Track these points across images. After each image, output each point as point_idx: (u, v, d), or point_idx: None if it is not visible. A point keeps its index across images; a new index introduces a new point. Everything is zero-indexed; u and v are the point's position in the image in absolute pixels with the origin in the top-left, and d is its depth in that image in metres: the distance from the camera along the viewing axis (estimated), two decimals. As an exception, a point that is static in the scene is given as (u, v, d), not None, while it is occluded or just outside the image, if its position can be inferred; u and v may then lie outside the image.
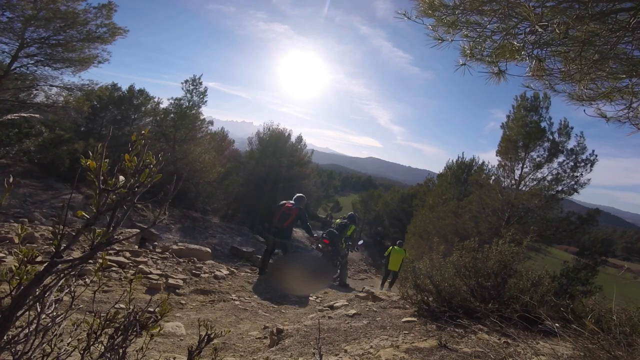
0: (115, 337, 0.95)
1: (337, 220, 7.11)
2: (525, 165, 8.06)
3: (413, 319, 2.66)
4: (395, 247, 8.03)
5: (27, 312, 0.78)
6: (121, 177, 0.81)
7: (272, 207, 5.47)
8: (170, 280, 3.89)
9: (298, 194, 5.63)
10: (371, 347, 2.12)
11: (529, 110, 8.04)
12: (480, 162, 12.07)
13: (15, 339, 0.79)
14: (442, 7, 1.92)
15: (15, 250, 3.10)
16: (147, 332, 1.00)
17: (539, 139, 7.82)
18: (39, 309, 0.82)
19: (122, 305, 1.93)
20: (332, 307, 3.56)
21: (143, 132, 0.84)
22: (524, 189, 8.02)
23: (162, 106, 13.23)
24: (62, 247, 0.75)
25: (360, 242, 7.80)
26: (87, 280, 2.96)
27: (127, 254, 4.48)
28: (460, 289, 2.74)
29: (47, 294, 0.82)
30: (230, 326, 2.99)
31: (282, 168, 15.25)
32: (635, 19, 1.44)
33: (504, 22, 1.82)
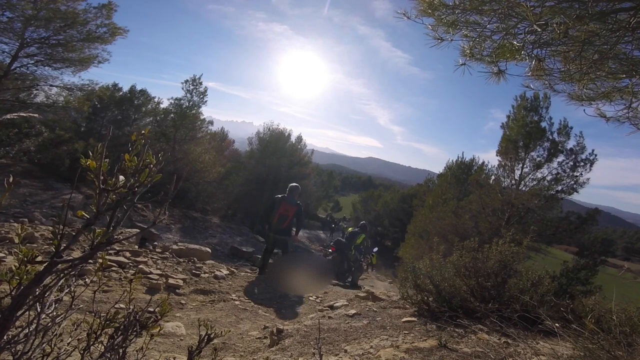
0: (115, 337, 0.95)
1: (349, 229, 7.56)
2: (525, 165, 8.07)
3: (413, 319, 2.66)
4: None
5: (27, 312, 0.78)
6: (121, 177, 0.81)
7: (269, 203, 5.30)
8: (170, 280, 3.89)
9: (292, 184, 5.34)
10: (371, 347, 2.12)
11: (529, 110, 8.04)
12: (480, 162, 12.08)
13: (15, 339, 0.79)
14: (441, 7, 1.92)
15: (15, 250, 3.10)
16: (147, 332, 1.00)
17: (539, 139, 7.82)
18: (39, 309, 0.82)
19: (122, 305, 1.93)
20: (332, 307, 3.56)
21: (143, 132, 0.84)
22: (524, 188, 8.02)
23: (162, 106, 13.26)
24: (62, 247, 0.75)
25: (375, 249, 8.07)
26: (87, 280, 2.96)
27: (127, 254, 4.48)
28: (460, 289, 2.74)
29: (47, 294, 0.82)
30: (230, 326, 2.99)
31: (282, 168, 15.27)
32: (635, 19, 1.44)
33: (503, 22, 1.82)
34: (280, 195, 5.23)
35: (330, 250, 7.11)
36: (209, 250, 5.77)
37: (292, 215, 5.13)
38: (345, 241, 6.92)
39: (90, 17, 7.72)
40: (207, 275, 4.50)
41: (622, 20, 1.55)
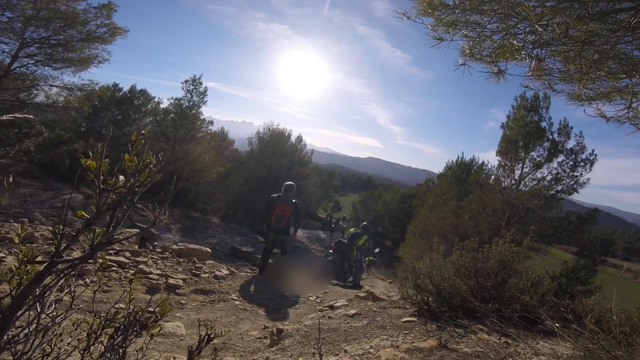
0: (115, 337, 0.95)
1: (351, 230, 7.67)
2: (525, 165, 8.06)
3: (413, 319, 2.66)
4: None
5: (27, 312, 0.78)
6: (121, 177, 0.81)
7: (266, 202, 5.26)
8: (170, 280, 3.88)
9: (287, 183, 5.26)
10: (371, 347, 2.12)
11: (529, 110, 8.04)
12: (480, 162, 12.09)
13: (15, 339, 0.79)
14: (441, 7, 1.91)
15: (15, 250, 3.10)
16: (147, 332, 1.00)
17: (539, 139, 7.82)
18: (39, 309, 0.82)
19: (122, 305, 1.93)
20: (332, 307, 3.56)
21: (143, 132, 0.84)
22: (524, 189, 8.02)
23: (162, 106, 13.25)
24: (62, 247, 0.75)
25: (377, 250, 8.13)
26: (87, 280, 2.96)
27: (127, 254, 4.48)
28: (460, 289, 2.74)
29: (47, 294, 0.82)
30: (230, 326, 2.99)
31: (282, 168, 15.27)
32: (635, 19, 1.44)
33: (503, 21, 1.82)
34: (276, 195, 5.20)
35: (331, 251, 7.17)
36: (209, 250, 5.77)
37: (289, 215, 5.12)
38: (347, 242, 6.96)
39: (90, 17, 7.73)
40: (207, 275, 4.50)
41: (622, 20, 1.55)
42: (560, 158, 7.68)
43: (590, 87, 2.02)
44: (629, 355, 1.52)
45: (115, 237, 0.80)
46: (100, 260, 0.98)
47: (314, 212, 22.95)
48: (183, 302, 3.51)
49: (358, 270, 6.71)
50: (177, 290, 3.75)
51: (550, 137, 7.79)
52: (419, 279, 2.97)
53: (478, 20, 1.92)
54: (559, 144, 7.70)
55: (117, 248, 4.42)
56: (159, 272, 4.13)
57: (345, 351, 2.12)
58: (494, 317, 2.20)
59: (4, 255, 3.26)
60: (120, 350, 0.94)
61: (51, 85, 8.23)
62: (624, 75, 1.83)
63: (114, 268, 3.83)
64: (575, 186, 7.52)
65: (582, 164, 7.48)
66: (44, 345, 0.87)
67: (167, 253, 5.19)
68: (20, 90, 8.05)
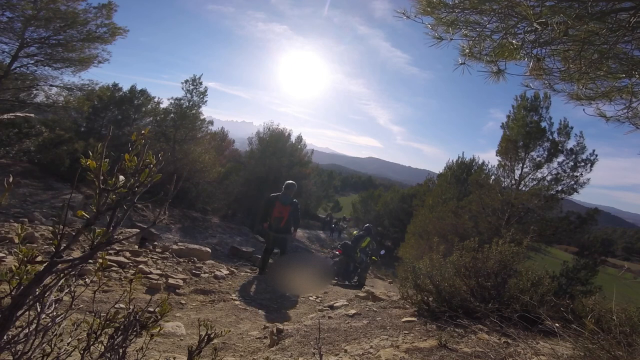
0: (115, 337, 0.95)
1: (354, 232, 7.80)
2: (525, 165, 8.07)
3: (413, 319, 2.66)
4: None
5: (27, 312, 0.78)
6: (121, 177, 0.81)
7: (266, 201, 5.24)
8: (170, 280, 3.88)
9: (287, 182, 5.20)
10: (371, 347, 2.12)
11: (529, 110, 8.04)
12: (480, 162, 12.10)
13: (15, 339, 0.79)
14: (441, 6, 1.92)
15: (15, 250, 3.10)
16: (147, 332, 1.00)
17: (539, 139, 7.82)
18: (39, 309, 0.82)
19: (122, 305, 1.93)
20: (332, 307, 3.56)
21: (143, 132, 0.84)
22: (524, 188, 8.02)
23: (162, 106, 13.27)
24: (62, 247, 0.75)
25: (382, 251, 8.21)
26: (87, 280, 2.96)
27: (127, 254, 4.48)
28: (460, 289, 2.74)
29: (47, 294, 0.82)
30: (230, 326, 2.99)
31: (282, 168, 15.27)
32: (635, 19, 1.44)
33: (503, 21, 1.82)
34: (274, 194, 5.16)
35: (337, 252, 7.29)
36: (209, 250, 5.77)
37: (288, 215, 5.07)
38: (352, 244, 7.08)
39: (90, 17, 7.73)
40: (207, 275, 4.50)
41: (622, 19, 1.55)
42: (561, 158, 7.69)
43: (590, 87, 2.03)
44: (629, 355, 1.52)
45: (115, 237, 0.80)
46: (100, 260, 0.98)
47: (314, 212, 22.96)
48: (183, 302, 3.51)
49: (363, 270, 6.87)
50: (177, 290, 3.75)
51: (551, 137, 7.80)
52: (419, 279, 2.97)
53: (478, 20, 1.92)
54: (559, 144, 7.70)
55: (117, 248, 4.42)
56: (159, 272, 4.12)
57: (345, 351, 2.12)
58: (494, 317, 2.20)
59: (4, 255, 3.26)
60: (120, 350, 0.94)
61: (51, 85, 8.24)
62: (624, 75, 1.83)
63: (114, 268, 3.83)
64: (575, 186, 7.52)
65: (582, 164, 7.48)
66: (44, 345, 0.87)
67: (167, 253, 5.19)
68: (20, 90, 8.06)
